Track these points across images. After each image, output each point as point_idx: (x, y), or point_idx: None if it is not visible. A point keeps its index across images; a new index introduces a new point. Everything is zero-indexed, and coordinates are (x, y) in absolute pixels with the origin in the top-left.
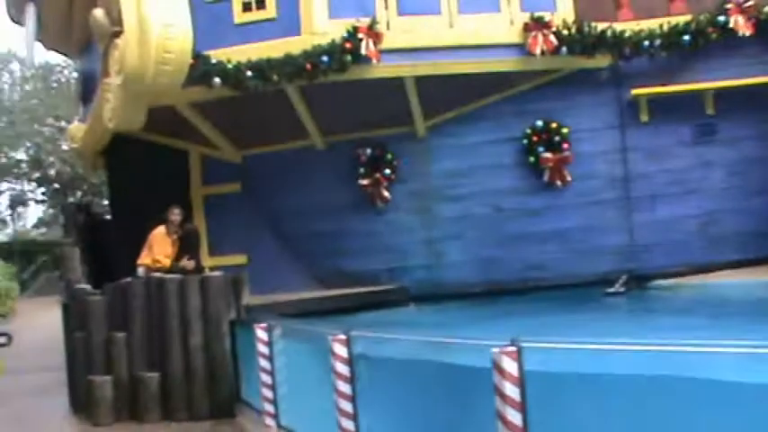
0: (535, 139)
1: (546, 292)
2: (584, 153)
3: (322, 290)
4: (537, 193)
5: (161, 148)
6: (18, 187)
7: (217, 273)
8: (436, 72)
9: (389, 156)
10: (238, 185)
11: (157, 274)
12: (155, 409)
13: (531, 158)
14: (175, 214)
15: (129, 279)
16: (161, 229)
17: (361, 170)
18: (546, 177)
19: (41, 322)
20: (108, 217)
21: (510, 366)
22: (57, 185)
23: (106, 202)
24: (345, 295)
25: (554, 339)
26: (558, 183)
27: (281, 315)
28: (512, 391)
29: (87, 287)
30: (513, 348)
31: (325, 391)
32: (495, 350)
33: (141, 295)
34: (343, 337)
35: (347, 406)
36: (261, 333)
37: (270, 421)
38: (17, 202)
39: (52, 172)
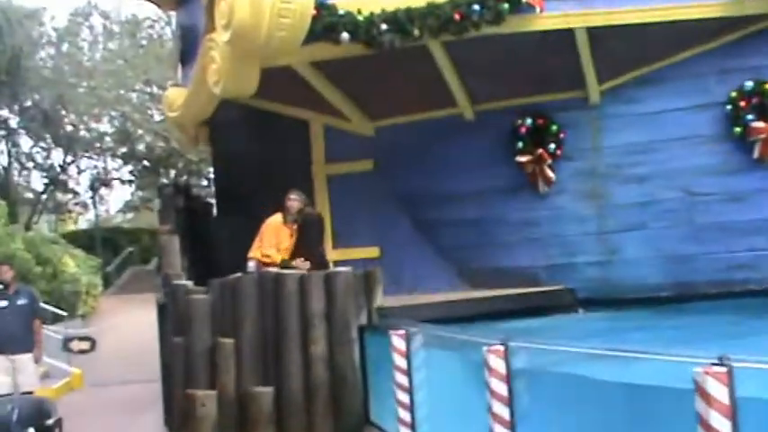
0: (742, 104)
1: (754, 297)
2: None
3: (469, 290)
4: (743, 173)
5: (276, 118)
6: (101, 165)
7: (344, 268)
8: (614, 22)
9: (554, 127)
10: (370, 163)
11: (273, 269)
12: (267, 430)
13: (737, 129)
14: (293, 199)
15: (238, 275)
16: (276, 218)
17: (520, 145)
18: (755, 153)
19: (129, 324)
20: (211, 200)
21: (717, 391)
22: (146, 163)
23: (205, 183)
24: (498, 297)
25: None
26: None
27: (421, 320)
28: (720, 422)
29: (189, 283)
30: (721, 368)
31: (476, 413)
32: (698, 370)
33: (253, 295)
34: (500, 347)
35: None
36: (397, 341)
37: None
38: (100, 182)
39: (141, 147)
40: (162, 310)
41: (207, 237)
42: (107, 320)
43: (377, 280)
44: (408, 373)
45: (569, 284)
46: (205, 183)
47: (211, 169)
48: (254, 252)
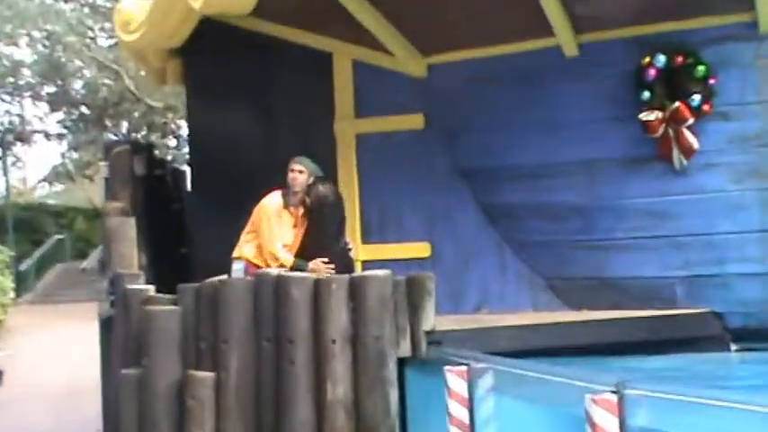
0: None
1: None
2: None
3: (561, 310)
4: None
5: (283, 48)
6: (15, 110)
7: (378, 272)
8: None
9: (701, 68)
10: (419, 119)
11: (274, 270)
12: None
13: None
14: (296, 171)
15: (222, 277)
16: (274, 199)
17: (646, 95)
18: None
19: (55, 349)
20: (184, 168)
21: None
22: (85, 110)
23: (175, 143)
24: (606, 323)
25: None
26: None
27: (491, 351)
28: None
29: (149, 289)
30: None
31: None
32: None
33: (243, 307)
34: (610, 396)
35: None
36: (456, 382)
37: None
38: (13, 136)
39: (78, 86)
40: (106, 329)
41: (177, 221)
42: (21, 342)
43: (426, 291)
44: (471, 428)
45: (716, 307)
46: (174, 142)
47: (184, 122)
48: (242, 249)
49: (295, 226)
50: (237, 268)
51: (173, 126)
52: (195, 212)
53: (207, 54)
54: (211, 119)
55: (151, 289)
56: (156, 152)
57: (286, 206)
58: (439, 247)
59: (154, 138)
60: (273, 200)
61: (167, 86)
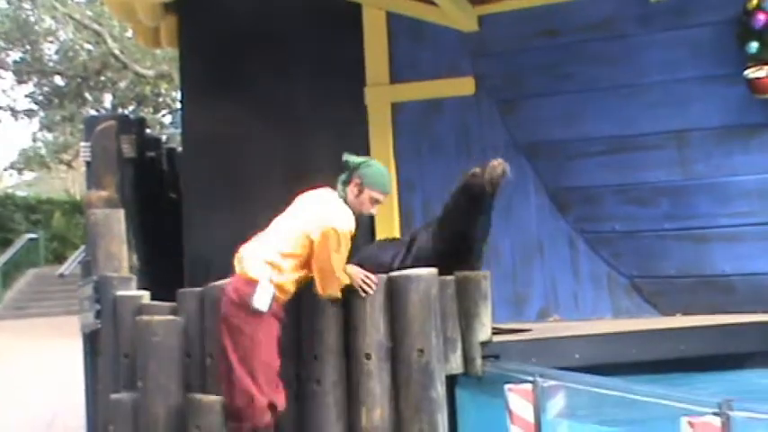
0: None
1: None
2: None
3: (650, 315)
4: None
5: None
6: None
7: (421, 270)
8: None
9: None
10: (469, 82)
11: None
12: None
13: None
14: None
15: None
16: (349, 221)
17: (753, 46)
18: None
19: (29, 371)
20: (181, 149)
21: None
22: (60, 80)
23: (170, 119)
24: (708, 330)
25: None
26: None
27: (562, 366)
28: None
29: (143, 295)
30: None
31: None
32: None
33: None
34: (713, 419)
35: None
36: (518, 403)
37: None
38: None
39: (51, 50)
40: (92, 345)
41: (175, 212)
42: None
43: (481, 294)
44: None
45: None
46: (170, 118)
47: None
48: (272, 272)
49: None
50: (263, 296)
51: (167, 99)
52: (197, 202)
53: (208, 9)
54: (212, 88)
55: (146, 295)
56: (148, 130)
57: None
58: (495, 242)
59: (145, 113)
60: (349, 222)
61: (160, 50)
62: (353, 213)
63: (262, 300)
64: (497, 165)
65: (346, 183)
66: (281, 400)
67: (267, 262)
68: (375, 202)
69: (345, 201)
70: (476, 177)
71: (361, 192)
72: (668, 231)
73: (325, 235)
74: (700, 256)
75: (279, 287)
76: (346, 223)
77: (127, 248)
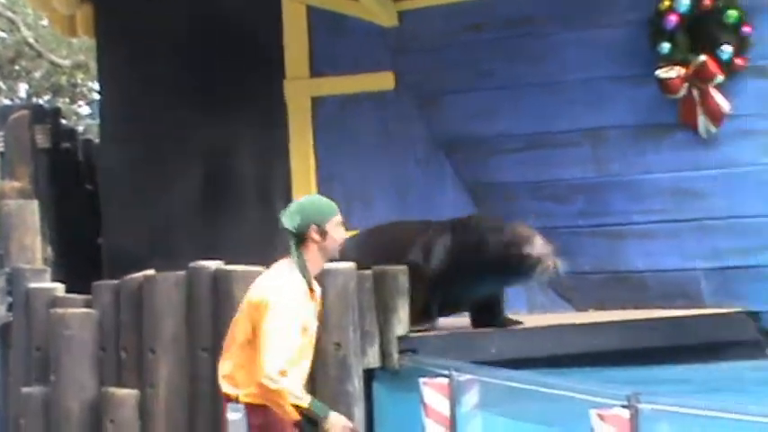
0: None
1: None
2: None
3: (563, 309)
4: None
5: None
6: None
7: (339, 264)
8: None
9: (732, 14)
10: (389, 77)
11: (209, 265)
12: None
13: None
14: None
15: (149, 272)
16: (296, 283)
17: (664, 47)
18: None
19: None
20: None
21: None
22: None
23: (87, 110)
24: (620, 325)
25: None
26: None
27: (477, 360)
28: None
29: (57, 287)
30: None
31: None
32: None
33: (174, 308)
34: (620, 411)
35: None
36: (434, 397)
37: None
38: None
39: None
40: (3, 337)
41: (90, 204)
42: None
43: (399, 288)
44: None
45: (752, 305)
46: (87, 109)
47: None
48: (235, 379)
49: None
50: (234, 418)
51: (84, 89)
52: (113, 193)
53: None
54: (131, 80)
55: (60, 288)
56: (64, 121)
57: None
58: None
59: (61, 103)
60: (295, 285)
61: (77, 39)
62: (327, 259)
63: (232, 426)
64: (552, 263)
65: (301, 245)
66: None
67: (224, 369)
68: (340, 226)
69: (304, 261)
70: (528, 259)
71: (321, 233)
72: (583, 228)
73: (259, 304)
74: (613, 253)
75: (246, 400)
76: (288, 290)
77: (41, 240)
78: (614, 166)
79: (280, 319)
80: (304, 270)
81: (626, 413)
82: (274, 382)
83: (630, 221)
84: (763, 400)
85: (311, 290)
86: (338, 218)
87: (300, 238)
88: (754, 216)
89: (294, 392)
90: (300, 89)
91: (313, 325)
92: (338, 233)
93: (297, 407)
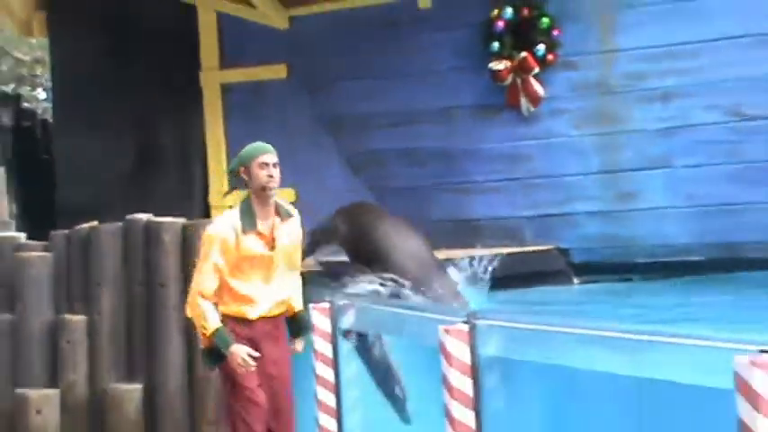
0: None
1: None
2: None
3: None
4: None
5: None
6: None
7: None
8: None
9: (545, 20)
10: (282, 68)
11: (141, 217)
12: None
13: None
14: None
15: (93, 223)
16: (221, 225)
17: (495, 46)
18: None
19: None
20: (51, 120)
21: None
22: None
23: (43, 96)
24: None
25: None
26: None
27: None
28: None
29: (19, 236)
30: None
31: (428, 419)
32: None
33: (114, 251)
34: (462, 327)
35: None
36: (319, 319)
37: None
38: None
39: None
40: None
41: (46, 169)
42: None
43: None
44: (335, 364)
45: (562, 243)
46: (43, 95)
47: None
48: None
49: (272, 248)
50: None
51: (42, 79)
52: (64, 160)
53: (71, 6)
54: (76, 72)
55: (23, 236)
56: (26, 104)
57: (252, 229)
58: (304, 193)
59: (22, 90)
60: (223, 221)
61: (34, 39)
62: (263, 194)
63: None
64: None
65: (243, 186)
66: None
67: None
68: (263, 166)
69: (249, 200)
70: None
71: (249, 173)
72: (438, 186)
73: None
74: (460, 205)
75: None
76: (212, 227)
77: (7, 199)
78: (460, 137)
79: (201, 248)
80: (245, 207)
81: (466, 327)
82: (191, 304)
83: (473, 180)
84: (573, 315)
85: (247, 230)
86: (260, 159)
87: (238, 179)
88: (566, 175)
89: (206, 316)
90: (212, 78)
91: (255, 250)
92: (260, 176)
93: (204, 330)
